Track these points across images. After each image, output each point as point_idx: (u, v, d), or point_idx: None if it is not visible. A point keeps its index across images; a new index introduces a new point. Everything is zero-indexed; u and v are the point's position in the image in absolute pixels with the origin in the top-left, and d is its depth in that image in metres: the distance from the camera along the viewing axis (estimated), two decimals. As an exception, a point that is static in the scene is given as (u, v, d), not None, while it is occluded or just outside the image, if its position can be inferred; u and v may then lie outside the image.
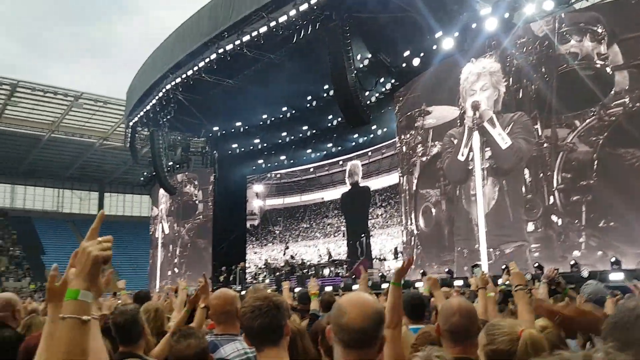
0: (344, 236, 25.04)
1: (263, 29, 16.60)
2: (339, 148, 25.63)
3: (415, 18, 15.44)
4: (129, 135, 26.66)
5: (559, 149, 12.71)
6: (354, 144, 24.93)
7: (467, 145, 15.22)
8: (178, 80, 20.73)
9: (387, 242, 22.96)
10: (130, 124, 25.79)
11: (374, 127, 22.20)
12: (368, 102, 20.00)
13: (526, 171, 13.46)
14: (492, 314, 3.77)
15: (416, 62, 17.60)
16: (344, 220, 25.33)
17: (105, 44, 71.95)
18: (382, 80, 20.11)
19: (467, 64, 15.52)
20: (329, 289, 15.40)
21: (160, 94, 21.89)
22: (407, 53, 17.92)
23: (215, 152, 27.69)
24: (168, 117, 23.02)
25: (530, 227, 13.27)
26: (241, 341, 2.66)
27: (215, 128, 26.41)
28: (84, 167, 41.48)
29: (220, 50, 18.23)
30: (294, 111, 23.98)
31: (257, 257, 27.33)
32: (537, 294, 4.74)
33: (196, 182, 27.74)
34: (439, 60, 16.73)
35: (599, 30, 12.37)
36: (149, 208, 32.34)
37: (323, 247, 24.95)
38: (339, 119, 22.00)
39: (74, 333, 1.22)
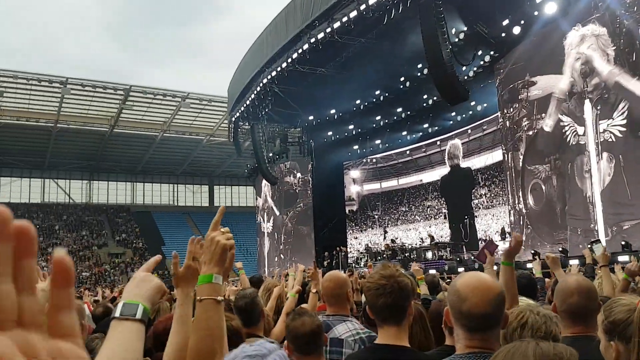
0: (445, 218, 24.43)
1: (353, 14, 16.51)
2: (436, 128, 24.94)
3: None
4: (232, 130, 27.96)
5: None
6: (451, 122, 24.13)
7: (581, 129, 14.02)
8: (274, 73, 21.33)
9: (492, 222, 22.05)
10: (233, 119, 27.02)
11: (472, 103, 21.29)
12: (466, 77, 19.22)
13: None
14: (618, 292, 3.49)
15: (516, 30, 16.60)
16: (445, 203, 24.68)
17: (202, 44, 76.00)
18: (480, 52, 19.17)
19: (571, 31, 14.34)
20: (432, 272, 15.19)
21: (259, 88, 22.68)
22: (506, 22, 16.94)
23: (311, 140, 28.22)
24: (266, 110, 23.82)
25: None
26: (352, 321, 2.73)
27: (310, 117, 26.88)
28: (194, 162, 44.35)
29: (312, 40, 18.45)
30: (387, 94, 23.68)
31: (357, 242, 27.58)
32: None
33: (295, 171, 28.54)
34: (540, 27, 15.65)
35: None
36: (254, 198, 33.80)
37: (424, 230, 24.55)
38: (435, 98, 21.36)
39: (211, 313, 1.37)
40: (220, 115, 34.94)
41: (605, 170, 13.15)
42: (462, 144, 23.79)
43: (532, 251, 14.91)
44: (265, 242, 30.63)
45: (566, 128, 14.53)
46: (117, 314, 1.14)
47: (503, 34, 17.22)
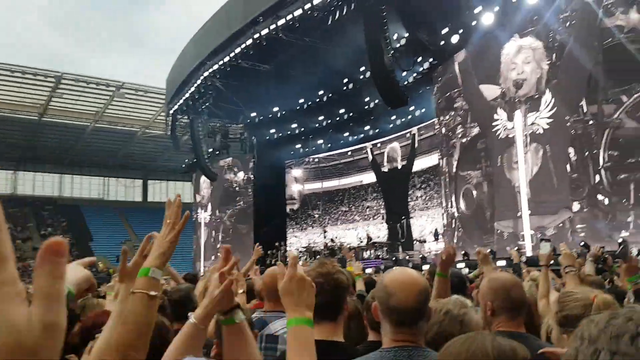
0: (383, 219, 24.95)
1: (298, 12, 16.54)
2: (377, 130, 25.40)
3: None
4: (170, 123, 27.21)
5: (605, 126, 12.26)
6: (392, 125, 24.65)
7: (511, 125, 14.84)
8: (215, 67, 20.96)
9: (427, 224, 22.75)
10: (171, 112, 26.31)
11: (412, 108, 21.86)
12: (406, 82, 19.69)
13: (571, 150, 13.03)
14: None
15: (455, 39, 17.19)
16: (383, 203, 25.22)
17: (143, 34, 73.43)
18: (419, 59, 19.74)
19: (508, 42, 15.07)
20: (369, 271, 15.41)
21: (199, 82, 22.20)
22: (445, 30, 17.51)
23: (253, 138, 27.96)
24: (207, 104, 23.36)
25: (576, 206, 12.88)
26: None
27: (253, 114, 26.63)
28: (127, 155, 42.68)
29: (256, 36, 18.29)
30: (330, 94, 23.89)
31: (297, 240, 27.63)
32: (584, 271, 4.66)
33: (236, 169, 28.18)
34: (478, 37, 16.30)
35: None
36: (192, 194, 33.05)
37: (362, 230, 24.95)
38: (377, 101, 21.75)
39: (142, 307, 1.31)
40: (157, 108, 33.87)
41: (533, 160, 13.88)
42: (401, 147, 24.37)
43: (463, 252, 15.53)
44: (202, 234, 29.96)
45: (497, 122, 15.19)
46: None
47: (442, 42, 17.79)
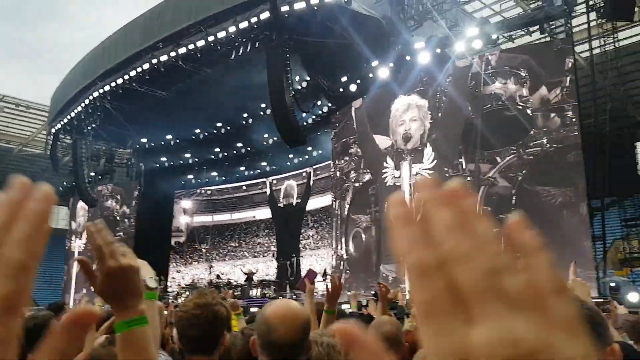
0: (273, 256, 24.77)
1: (200, 43, 16.32)
2: (274, 167, 25.48)
3: (353, 45, 15.77)
4: (51, 142, 25.12)
5: (481, 183, 13.34)
6: (289, 163, 24.89)
7: (398, 174, 15.66)
8: (107, 88, 19.89)
9: (316, 263, 22.94)
10: (53, 130, 24.33)
11: (309, 148, 22.30)
12: (305, 123, 20.09)
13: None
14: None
15: (353, 88, 17.95)
16: (275, 240, 25.10)
17: (33, 48, 67.99)
18: (319, 103, 20.31)
19: (398, 98, 16.09)
20: (254, 310, 15.08)
21: (87, 101, 20.89)
22: (344, 79, 18.24)
23: (141, 164, 26.63)
24: (93, 125, 21.95)
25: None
26: (160, 354, 2.60)
27: (144, 140, 25.45)
28: (1, 174, 38.44)
29: (154, 61, 17.71)
30: (229, 127, 23.62)
31: (180, 275, 26.39)
32: None
33: (119, 197, 26.49)
34: (375, 89, 17.18)
35: (522, 74, 13.24)
36: (67, 220, 30.43)
37: (250, 267, 24.54)
38: (275, 138, 21.89)
39: None
40: (38, 125, 31.19)
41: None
42: (297, 185, 24.65)
43: (348, 292, 15.81)
44: (74, 270, 27.55)
45: (386, 170, 15.91)
46: None
47: (341, 89, 18.49)
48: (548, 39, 14.48)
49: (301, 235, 23.98)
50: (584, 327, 0.33)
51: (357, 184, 17.40)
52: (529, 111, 12.96)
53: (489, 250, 0.35)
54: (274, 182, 25.44)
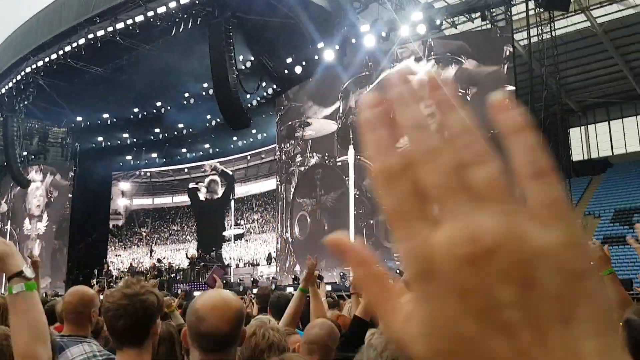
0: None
1: (139, 18, 15.63)
2: (217, 150, 24.98)
3: (299, 26, 15.56)
4: (-22, 119, 23.57)
5: None
6: (232, 146, 24.47)
7: (345, 157, 15.67)
8: (40, 63, 18.85)
9: (261, 247, 22.81)
10: (-20, 107, 22.83)
11: (254, 131, 21.98)
12: (249, 105, 19.73)
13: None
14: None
15: (298, 70, 17.75)
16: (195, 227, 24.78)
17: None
18: (264, 84, 19.99)
19: (348, 82, 16.05)
20: (197, 294, 14.85)
21: (19, 77, 19.77)
22: (289, 60, 18.00)
23: (77, 144, 25.46)
24: (25, 102, 20.79)
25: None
26: (90, 343, 2.51)
27: (79, 118, 24.31)
28: None
29: (90, 36, 16.84)
30: (169, 107, 22.88)
31: (119, 260, 25.57)
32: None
33: (53, 176, 25.23)
34: (320, 71, 17.05)
35: (463, 60, 13.50)
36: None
37: (193, 250, 24.12)
38: (218, 120, 21.42)
39: None
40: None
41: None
42: (241, 168, 24.32)
43: (293, 276, 15.83)
44: (35, 248, 26.06)
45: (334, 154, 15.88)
46: None
47: (286, 71, 18.26)
48: (489, 26, 14.80)
49: (246, 219, 23.75)
50: (569, 211, 0.30)
51: (302, 168, 17.33)
52: (468, 97, 13.27)
53: (457, 143, 0.31)
54: (217, 164, 25.00)
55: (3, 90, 20.94)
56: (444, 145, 0.31)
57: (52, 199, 24.95)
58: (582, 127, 28.46)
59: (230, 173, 24.48)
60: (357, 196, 15.03)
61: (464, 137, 0.31)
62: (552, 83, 16.24)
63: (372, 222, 14.61)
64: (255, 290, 14.08)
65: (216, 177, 24.57)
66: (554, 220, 0.29)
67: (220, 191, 24.46)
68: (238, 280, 19.37)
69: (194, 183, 25.15)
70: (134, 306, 1.76)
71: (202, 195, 24.81)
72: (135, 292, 1.80)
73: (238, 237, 23.82)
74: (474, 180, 0.30)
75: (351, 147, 15.59)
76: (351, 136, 15.69)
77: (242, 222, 24.02)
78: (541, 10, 14.97)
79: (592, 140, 28.42)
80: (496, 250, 0.28)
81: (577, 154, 28.21)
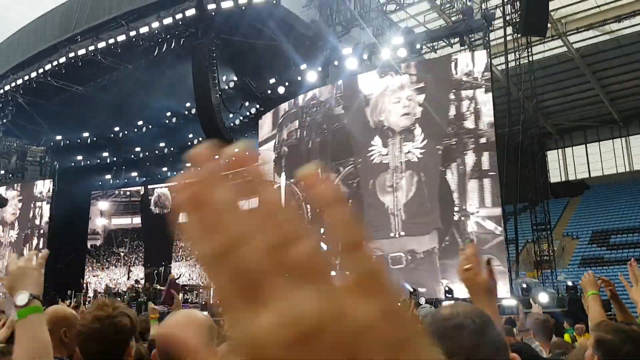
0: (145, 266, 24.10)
1: (121, 38, 15.63)
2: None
3: (282, 48, 15.71)
4: (-46, 137, 23.14)
5: None
6: (214, 165, 24.36)
7: (385, 151, 15.12)
8: (20, 81, 18.67)
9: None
10: (-42, 124, 22.43)
11: (236, 150, 21.94)
12: (232, 124, 19.75)
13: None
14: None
15: (281, 90, 17.89)
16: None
17: None
18: (247, 104, 20.05)
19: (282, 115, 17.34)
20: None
21: (-2, 95, 19.45)
22: (272, 80, 18.12)
23: (56, 163, 25.09)
24: (4, 120, 20.48)
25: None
26: None
27: (59, 137, 23.98)
28: None
29: (71, 54, 16.76)
30: (150, 126, 22.75)
31: (96, 280, 25.04)
32: None
33: (31, 195, 24.78)
34: (303, 92, 17.19)
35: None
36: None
37: (175, 271, 23.76)
38: (200, 138, 21.33)
39: None
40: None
41: (408, 185, 14.21)
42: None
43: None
44: (5, 255, 25.33)
45: (372, 148, 15.03)
46: None
47: (269, 91, 18.36)
48: (467, 51, 15.14)
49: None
50: (385, 280, 0.29)
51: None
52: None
53: (272, 221, 0.30)
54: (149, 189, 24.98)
55: (-19, 108, 20.61)
56: (260, 224, 0.30)
57: (30, 217, 24.45)
58: (560, 150, 29.06)
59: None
60: (403, 174, 14.55)
61: (277, 213, 0.30)
62: (530, 107, 16.60)
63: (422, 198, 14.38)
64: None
65: (166, 191, 24.54)
66: (371, 292, 0.28)
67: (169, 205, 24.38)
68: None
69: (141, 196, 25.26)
70: (106, 329, 1.72)
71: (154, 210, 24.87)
72: (108, 315, 1.76)
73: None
74: (291, 259, 0.29)
75: (283, 174, 16.32)
76: (283, 164, 16.54)
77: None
78: (519, 35, 15.35)
79: (570, 162, 28.99)
80: (320, 329, 0.27)
81: (554, 176, 28.73)
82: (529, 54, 16.03)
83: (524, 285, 12.88)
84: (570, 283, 13.09)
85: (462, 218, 13.35)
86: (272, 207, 0.31)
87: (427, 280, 13.18)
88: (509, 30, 15.21)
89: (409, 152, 14.15)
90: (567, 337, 6.78)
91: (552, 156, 28.97)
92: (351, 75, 15.95)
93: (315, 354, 0.27)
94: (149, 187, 25.83)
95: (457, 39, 14.88)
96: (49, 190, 24.37)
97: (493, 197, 13.09)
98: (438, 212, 13.59)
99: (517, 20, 14.61)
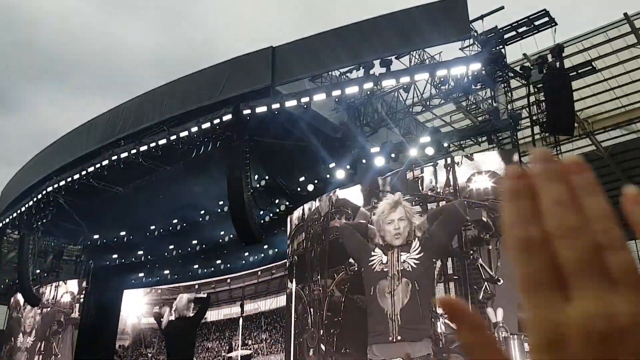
0: (224, 361, 23.49)
1: (162, 141, 16.54)
2: (228, 265, 24.95)
3: (311, 148, 16.36)
4: (-4, 237, 23.98)
5: (326, 294, 15.94)
6: (243, 262, 24.46)
7: (385, 259, 15.73)
8: (62, 183, 19.50)
9: (269, 369, 21.81)
10: (0, 225, 23.32)
11: (265, 246, 22.12)
12: (262, 221, 20.09)
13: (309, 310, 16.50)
14: None
15: (310, 187, 18.33)
16: (227, 346, 23.93)
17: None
18: (277, 201, 20.51)
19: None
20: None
21: (40, 196, 20.31)
22: (302, 178, 18.66)
23: (91, 262, 25.54)
24: (44, 220, 21.19)
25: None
26: None
27: (96, 236, 24.63)
28: None
29: (114, 157, 17.70)
30: (184, 224, 23.30)
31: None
32: None
33: (65, 294, 25.03)
34: (331, 189, 17.58)
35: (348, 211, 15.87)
36: (4, 320, 28.25)
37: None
38: (231, 236, 21.68)
39: None
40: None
41: (403, 292, 14.58)
42: (251, 284, 24.09)
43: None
44: (22, 359, 25.01)
45: (374, 257, 15.65)
46: None
47: (299, 189, 18.83)
48: (496, 149, 15.44)
49: (253, 339, 23.03)
50: None
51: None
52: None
53: (596, 226, 0.34)
54: (228, 280, 24.92)
55: (23, 209, 21.44)
56: (583, 226, 0.34)
57: (62, 318, 24.49)
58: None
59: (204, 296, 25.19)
60: (399, 282, 15.11)
61: (602, 221, 0.34)
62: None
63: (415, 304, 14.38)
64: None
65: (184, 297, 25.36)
66: None
67: (191, 310, 25.12)
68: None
69: (157, 308, 25.61)
70: None
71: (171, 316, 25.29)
72: None
73: (245, 358, 22.89)
74: (609, 263, 0.33)
75: (294, 279, 17.54)
76: (294, 271, 17.78)
77: (249, 341, 23.22)
78: (547, 134, 15.63)
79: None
80: (631, 331, 0.30)
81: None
82: (558, 152, 16.20)
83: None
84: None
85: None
86: (598, 212, 0.35)
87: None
88: (537, 129, 15.51)
89: (404, 261, 14.97)
90: None
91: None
92: (341, 187, 16.49)
93: (622, 351, 0.30)
94: (176, 285, 25.92)
95: (484, 138, 15.25)
96: (81, 290, 24.62)
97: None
98: (429, 322, 13.92)
99: (544, 120, 14.93)
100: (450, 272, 14.00)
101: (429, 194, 14.81)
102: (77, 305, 24.50)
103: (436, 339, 13.50)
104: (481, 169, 14.21)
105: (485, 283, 13.44)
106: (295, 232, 18.11)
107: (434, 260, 14.46)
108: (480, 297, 13.30)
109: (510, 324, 12.51)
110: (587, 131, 20.60)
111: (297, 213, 18.09)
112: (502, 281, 13.23)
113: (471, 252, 13.91)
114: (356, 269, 15.65)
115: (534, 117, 15.18)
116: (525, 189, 0.37)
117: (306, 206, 17.61)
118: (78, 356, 22.91)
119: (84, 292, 24.52)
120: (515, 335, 12.38)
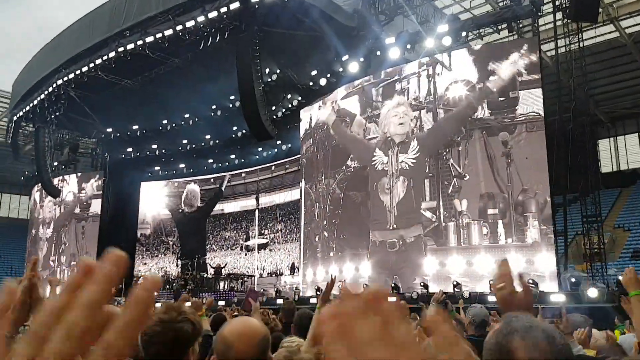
0: (242, 249, 24.66)
1: (168, 32, 15.96)
2: (242, 160, 25.27)
3: (323, 39, 15.70)
4: (12, 129, 24.31)
5: (328, 192, 17.61)
6: (257, 157, 24.72)
7: (386, 160, 16.64)
8: (72, 75, 19.30)
9: (284, 257, 22.89)
10: (15, 118, 23.54)
11: (278, 142, 22.16)
12: (274, 116, 19.92)
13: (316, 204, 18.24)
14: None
15: (323, 82, 17.90)
16: (244, 235, 24.99)
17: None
18: (289, 96, 20.18)
19: (373, 90, 16.27)
20: (222, 303, 15.10)
21: (51, 89, 20.24)
22: (314, 72, 18.15)
23: (107, 155, 26.01)
24: (57, 114, 21.30)
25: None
26: None
27: (109, 129, 24.85)
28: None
29: (121, 49, 17.25)
30: (197, 119, 23.26)
31: (146, 268, 25.95)
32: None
33: (83, 186, 25.84)
34: (345, 82, 17.16)
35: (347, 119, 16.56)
36: (28, 210, 29.55)
37: (218, 260, 24.32)
38: (244, 131, 21.67)
39: None
40: (-1, 112, 30.14)
41: (400, 188, 15.77)
42: (265, 179, 24.58)
43: (316, 287, 15.86)
44: (44, 248, 26.61)
45: (375, 159, 16.44)
46: None
47: (311, 83, 18.41)
48: (516, 37, 14.69)
49: (269, 229, 23.97)
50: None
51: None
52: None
53: (407, 355, 0.37)
54: (242, 175, 25.38)
55: (35, 102, 21.47)
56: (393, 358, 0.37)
57: (83, 208, 25.52)
58: (612, 139, 27.90)
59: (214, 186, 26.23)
60: (397, 180, 16.16)
61: (411, 349, 0.37)
62: (581, 94, 16.00)
63: (409, 199, 14.79)
64: (279, 301, 14.19)
65: (195, 188, 26.23)
66: None
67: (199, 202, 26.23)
68: (262, 290, 19.50)
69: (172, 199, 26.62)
70: (166, 334, 1.72)
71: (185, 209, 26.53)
72: (171, 319, 1.76)
73: (262, 246, 23.98)
74: None
75: (303, 180, 18.46)
76: (303, 172, 19.16)
77: (265, 231, 24.18)
78: (569, 21, 14.79)
79: (622, 152, 27.81)
80: None
81: (606, 166, 27.62)
82: (580, 39, 15.40)
83: (573, 280, 12.52)
84: (621, 277, 12.62)
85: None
86: (407, 342, 0.37)
87: (416, 260, 14.99)
88: (559, 15, 14.66)
89: (402, 161, 15.99)
90: (617, 333, 6.55)
91: (604, 145, 27.86)
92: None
93: None
94: (189, 179, 26.60)
95: (504, 25, 14.47)
96: (99, 182, 25.39)
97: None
98: (421, 210, 15.49)
99: (567, 5, 14.04)
100: (427, 171, 15.35)
101: (412, 103, 15.69)
102: (95, 199, 25.41)
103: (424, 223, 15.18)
104: (457, 79, 14.61)
105: (455, 179, 14.70)
106: (304, 138, 19.45)
107: (426, 159, 15.49)
108: (450, 190, 14.72)
109: (472, 212, 14.17)
110: (612, 17, 19.41)
111: (306, 118, 19.16)
112: (468, 177, 14.45)
113: (444, 153, 15.05)
114: (352, 170, 17.17)
115: (557, 3, 14.26)
116: (342, 330, 0.39)
117: (313, 114, 18.61)
118: (101, 246, 24.18)
119: (102, 184, 25.28)
120: (475, 221, 14.04)
